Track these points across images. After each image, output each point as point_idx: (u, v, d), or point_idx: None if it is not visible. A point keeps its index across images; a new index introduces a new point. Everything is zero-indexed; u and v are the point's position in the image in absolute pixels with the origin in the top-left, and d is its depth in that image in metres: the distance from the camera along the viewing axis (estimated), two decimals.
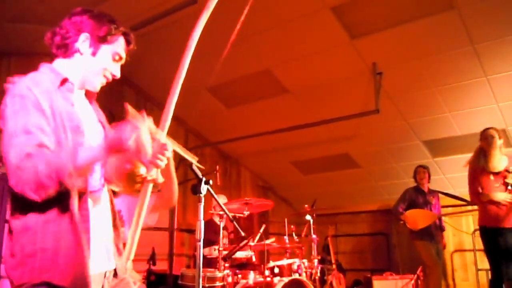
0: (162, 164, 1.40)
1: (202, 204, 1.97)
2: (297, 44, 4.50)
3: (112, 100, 5.08)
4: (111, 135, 1.24)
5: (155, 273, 4.16)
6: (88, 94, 1.54)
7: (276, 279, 3.50)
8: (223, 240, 3.67)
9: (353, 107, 4.95)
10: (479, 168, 3.91)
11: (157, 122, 1.62)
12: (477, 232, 4.35)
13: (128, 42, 1.53)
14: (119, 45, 1.49)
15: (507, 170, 3.82)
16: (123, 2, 3.88)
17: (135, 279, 3.42)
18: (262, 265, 3.66)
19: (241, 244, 3.57)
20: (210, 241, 4.02)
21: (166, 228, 5.08)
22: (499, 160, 3.84)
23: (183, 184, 4.80)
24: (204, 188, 1.90)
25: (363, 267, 7.28)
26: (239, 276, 3.44)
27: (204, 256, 2.92)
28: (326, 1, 3.91)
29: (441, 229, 5.05)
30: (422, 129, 5.59)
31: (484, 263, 6.04)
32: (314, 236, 4.30)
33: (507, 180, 3.79)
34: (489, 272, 3.96)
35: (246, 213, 3.94)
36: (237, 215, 3.98)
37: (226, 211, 3.07)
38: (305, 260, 3.90)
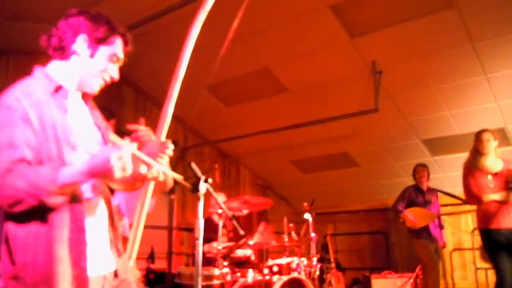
0: (163, 163, 1.40)
1: (202, 202, 1.96)
2: (297, 42, 4.50)
3: (111, 99, 5.09)
4: (92, 159, 1.22)
5: (154, 271, 4.16)
6: (84, 94, 1.52)
7: (275, 278, 3.49)
8: (222, 238, 3.66)
9: (353, 106, 4.95)
10: (474, 168, 3.90)
11: (156, 121, 1.63)
12: (476, 231, 4.34)
13: (125, 43, 1.51)
14: (116, 46, 1.47)
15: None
16: (122, 1, 3.87)
17: (135, 277, 3.42)
18: (261, 264, 3.66)
19: (240, 242, 3.57)
20: (209, 240, 4.02)
21: (165, 226, 5.07)
22: (493, 161, 3.84)
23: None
24: (203, 186, 1.89)
25: (362, 266, 7.29)
26: (238, 274, 3.44)
27: (203, 254, 2.92)
28: None
29: (440, 227, 5.05)
30: (422, 128, 5.59)
31: (483, 262, 6.07)
32: (313, 234, 4.29)
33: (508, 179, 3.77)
34: (488, 271, 3.95)
35: (245, 211, 3.94)
36: (236, 213, 3.98)
37: (225, 209, 3.06)
38: (304, 259, 3.89)
